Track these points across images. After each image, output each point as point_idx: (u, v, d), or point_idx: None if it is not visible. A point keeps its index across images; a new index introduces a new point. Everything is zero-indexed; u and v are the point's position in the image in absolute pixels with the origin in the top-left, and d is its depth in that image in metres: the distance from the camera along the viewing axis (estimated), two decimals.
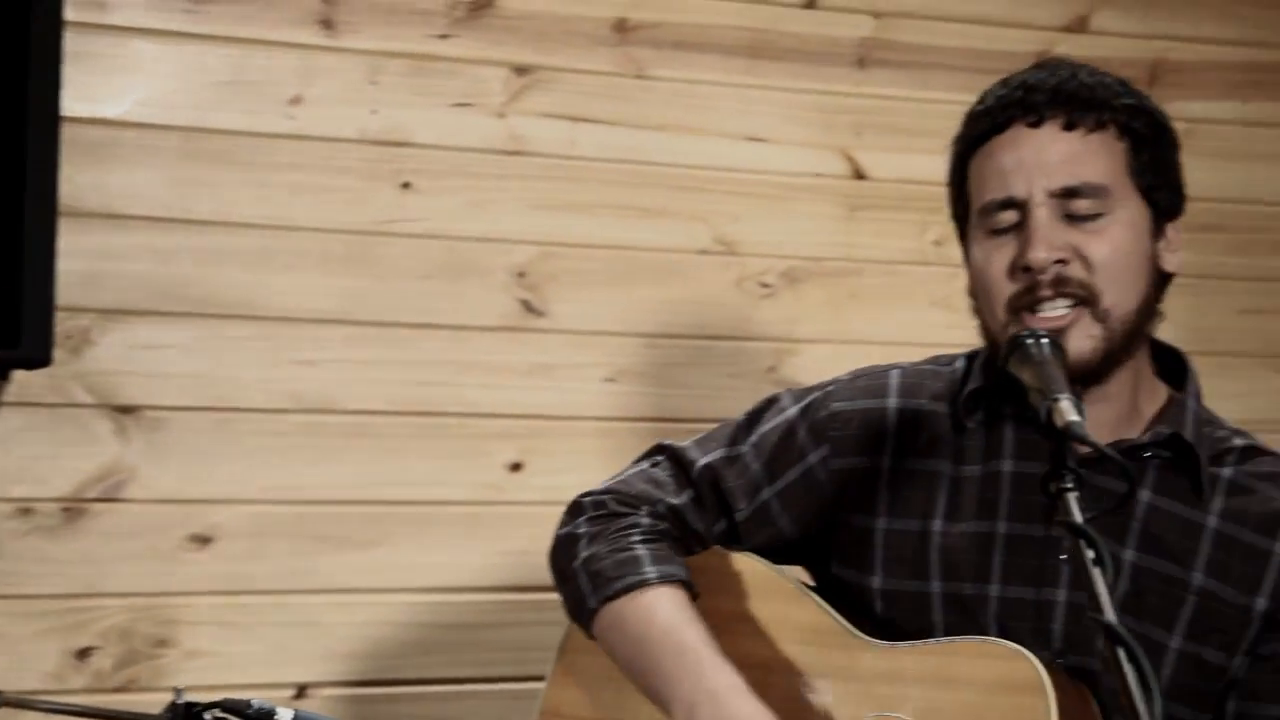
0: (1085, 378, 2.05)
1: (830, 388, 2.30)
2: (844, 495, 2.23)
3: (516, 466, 3.06)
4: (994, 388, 2.16)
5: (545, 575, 3.00)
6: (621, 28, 3.12)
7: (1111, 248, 2.05)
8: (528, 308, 3.06)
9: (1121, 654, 1.52)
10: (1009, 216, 2.08)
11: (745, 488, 2.25)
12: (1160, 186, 2.11)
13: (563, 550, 2.27)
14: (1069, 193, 2.06)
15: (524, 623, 3.05)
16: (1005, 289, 2.07)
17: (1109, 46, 3.40)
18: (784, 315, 3.21)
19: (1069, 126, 2.08)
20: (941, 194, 3.22)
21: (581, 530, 2.25)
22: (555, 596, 3.01)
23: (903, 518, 2.19)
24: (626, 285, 3.12)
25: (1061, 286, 2.04)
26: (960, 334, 3.24)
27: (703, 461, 2.27)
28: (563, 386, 3.09)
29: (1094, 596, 1.63)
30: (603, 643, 2.20)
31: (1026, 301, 2.05)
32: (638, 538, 2.21)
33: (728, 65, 3.18)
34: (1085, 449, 1.88)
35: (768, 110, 3.20)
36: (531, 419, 3.08)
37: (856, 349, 3.24)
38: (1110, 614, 1.59)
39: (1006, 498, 2.15)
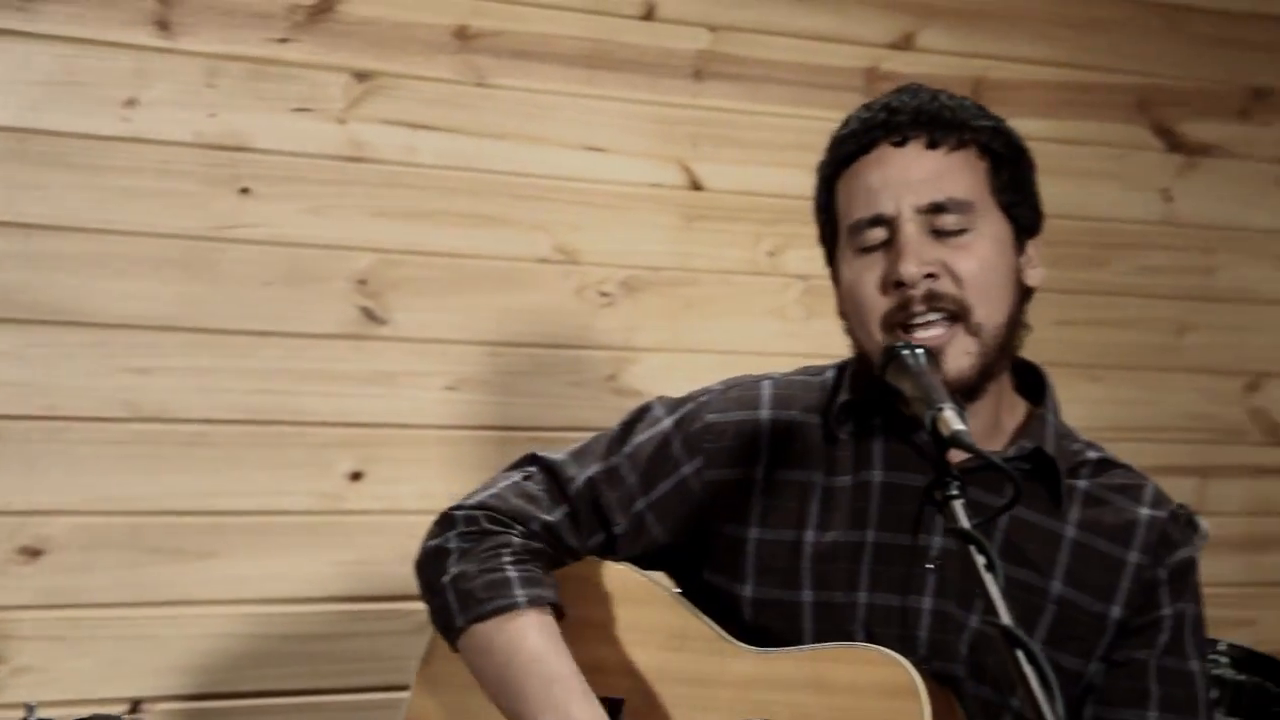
0: (960, 394, 2.08)
1: (703, 399, 2.32)
2: (717, 505, 2.25)
3: (356, 476, 3.03)
4: (865, 400, 2.21)
5: (385, 585, 3.01)
6: (462, 35, 3.12)
7: (979, 262, 2.11)
8: (368, 315, 3.04)
9: (1021, 655, 1.55)
10: (878, 234, 2.12)
11: (622, 501, 2.26)
12: (1020, 204, 2.18)
13: (431, 563, 2.25)
14: (935, 208, 2.11)
15: (364, 633, 3.03)
16: (879, 305, 2.11)
17: (933, 64, 3.49)
18: (623, 324, 3.23)
19: (932, 145, 2.13)
20: (776, 205, 3.31)
21: (452, 545, 2.23)
22: (395, 607, 3.03)
23: (775, 528, 2.22)
24: (467, 293, 3.11)
25: (933, 301, 2.08)
26: (794, 343, 3.33)
27: (582, 478, 2.28)
28: (404, 395, 3.07)
29: (987, 599, 1.66)
30: (468, 662, 2.20)
31: (901, 318, 2.09)
32: (508, 558, 2.20)
33: (567, 75, 3.20)
34: (963, 457, 1.94)
35: (607, 120, 3.23)
36: (372, 428, 3.05)
37: (693, 358, 3.28)
38: (1006, 617, 1.62)
39: (876, 507, 2.19)
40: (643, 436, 2.30)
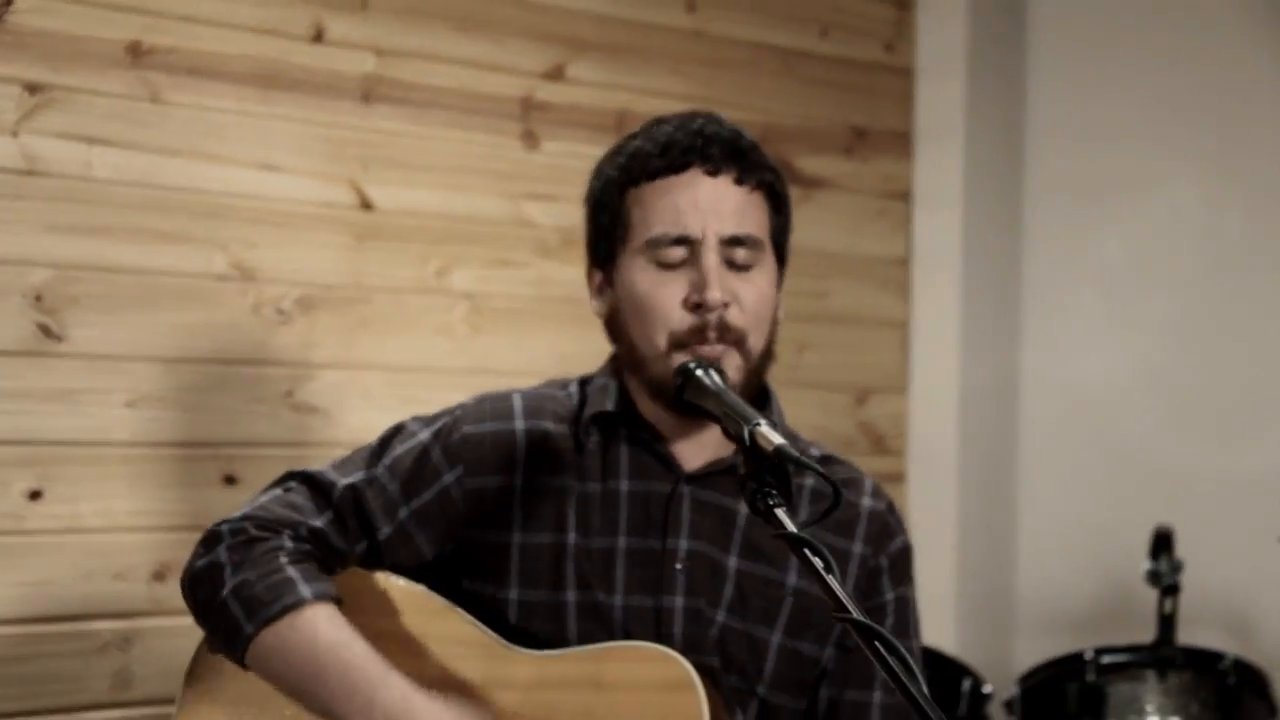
0: (683, 403, 2.23)
1: (457, 413, 2.40)
2: (479, 513, 2.34)
3: (35, 495, 2.97)
4: (611, 413, 2.35)
5: (66, 605, 2.97)
6: (136, 51, 3.09)
7: (758, 295, 2.29)
8: (46, 332, 2.98)
9: (878, 643, 1.67)
10: (678, 253, 2.27)
11: (385, 509, 2.32)
12: (784, 244, 2.38)
13: (205, 581, 2.25)
14: (735, 241, 2.28)
15: (44, 654, 2.97)
16: (674, 320, 2.26)
17: (582, 94, 3.66)
18: (299, 341, 3.26)
19: (739, 181, 2.30)
20: (442, 226, 3.42)
21: (224, 559, 2.25)
22: (76, 627, 2.98)
23: (537, 532, 2.33)
24: (146, 310, 3.09)
25: (723, 328, 2.25)
26: (460, 359, 3.45)
27: (344, 483, 2.33)
28: (84, 412, 3.02)
29: (833, 596, 1.80)
30: (262, 668, 2.22)
31: (694, 339, 2.24)
32: (285, 559, 2.24)
33: (240, 94, 3.21)
34: (700, 464, 2.23)
35: (280, 139, 3.26)
36: (51, 445, 2.99)
37: (368, 374, 3.35)
38: (856, 611, 1.74)
39: (625, 514, 2.33)
40: (401, 449, 2.36)
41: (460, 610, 2.31)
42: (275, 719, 2.25)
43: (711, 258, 2.25)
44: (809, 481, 2.40)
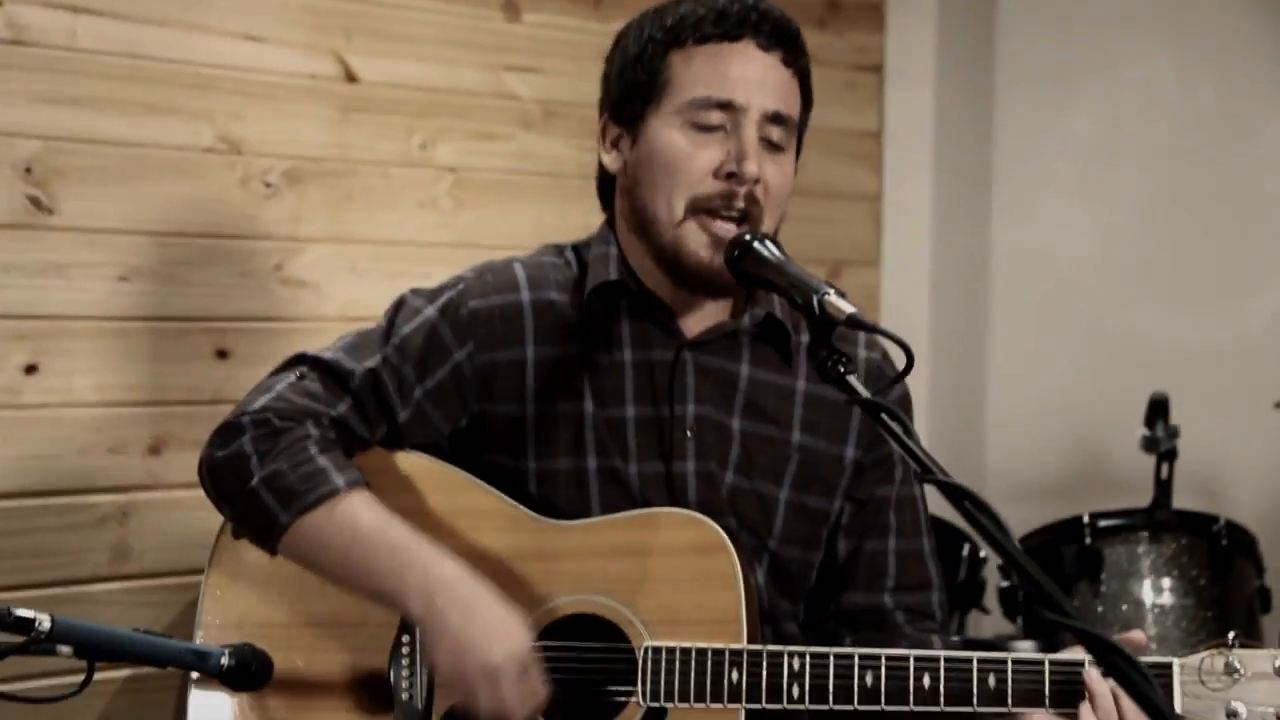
0: (722, 283, 2.28)
1: (460, 287, 2.39)
2: (493, 387, 2.34)
3: (31, 369, 2.93)
4: (617, 282, 2.34)
5: (63, 478, 2.96)
6: None
7: (783, 179, 2.30)
8: (36, 204, 2.93)
9: (969, 505, 1.68)
10: (718, 118, 2.26)
11: (401, 391, 2.32)
12: (803, 135, 2.38)
13: (231, 472, 2.25)
14: (776, 118, 2.27)
15: (42, 528, 2.95)
16: (702, 185, 2.25)
17: None
18: (287, 214, 3.23)
19: (785, 63, 2.30)
20: (426, 98, 3.38)
21: (249, 449, 2.24)
22: (74, 500, 2.96)
23: (551, 402, 2.34)
24: (135, 182, 3.04)
25: (749, 202, 2.25)
26: (444, 233, 3.43)
27: (361, 370, 2.32)
28: (77, 286, 2.98)
29: (916, 460, 1.80)
30: (298, 554, 2.23)
31: (718, 205, 2.24)
32: (314, 448, 2.24)
33: None
34: (701, 329, 2.27)
35: (263, 10, 3.20)
36: (44, 319, 2.95)
37: (355, 248, 3.33)
38: (941, 474, 1.76)
39: (631, 384, 2.35)
40: (409, 328, 2.35)
41: (484, 484, 2.32)
42: (306, 596, 2.27)
43: (752, 131, 2.25)
44: (805, 338, 2.40)
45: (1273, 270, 3.89)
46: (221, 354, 3.15)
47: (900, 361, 1.97)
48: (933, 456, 1.77)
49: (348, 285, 3.31)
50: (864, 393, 1.89)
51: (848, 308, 1.95)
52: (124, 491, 3.03)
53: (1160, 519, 3.08)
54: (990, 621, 3.39)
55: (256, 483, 2.22)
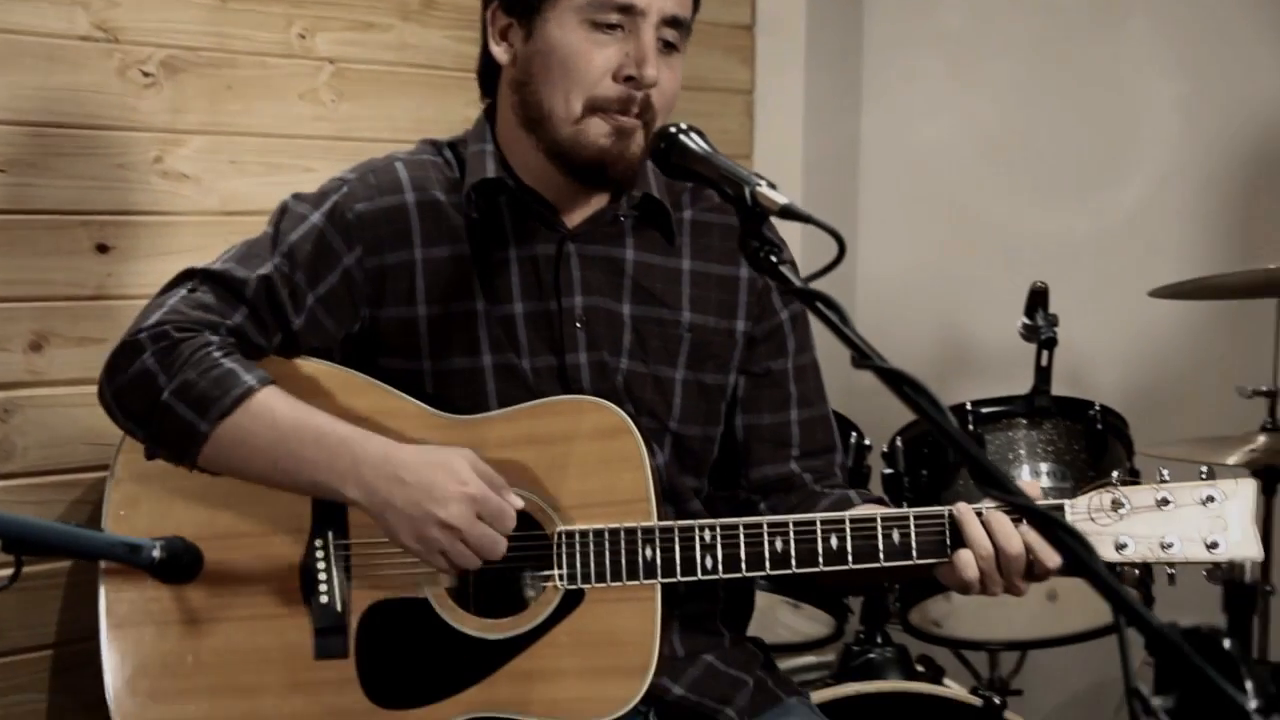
0: (624, 179, 2.30)
1: (344, 190, 2.37)
2: (383, 290, 2.34)
3: None
4: (496, 179, 2.35)
5: None
6: None
7: (674, 81, 2.31)
8: None
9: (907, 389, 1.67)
10: (617, 18, 2.25)
11: (294, 297, 2.31)
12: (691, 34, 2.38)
13: (138, 389, 2.23)
14: (674, 21, 2.28)
15: None
16: (600, 87, 2.26)
17: None
18: (166, 105, 3.17)
19: None
20: None
21: (152, 365, 2.22)
22: None
23: (444, 302, 2.34)
24: (10, 71, 2.95)
25: (645, 108, 2.26)
26: (324, 126, 3.39)
27: (254, 278, 2.30)
28: None
29: (854, 347, 1.79)
30: (221, 461, 2.21)
31: (616, 107, 2.25)
32: (219, 353, 2.22)
33: None
34: (581, 219, 2.31)
35: None
36: None
37: (236, 140, 3.27)
38: (880, 360, 1.75)
39: (517, 280, 2.36)
40: (296, 235, 2.33)
41: (385, 385, 2.32)
42: (216, 502, 2.27)
43: (651, 34, 2.26)
44: (686, 215, 2.44)
45: (1137, 162, 3.99)
46: (102, 248, 3.09)
47: None
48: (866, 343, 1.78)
49: (228, 178, 3.26)
50: (797, 281, 1.91)
51: (780, 199, 1.97)
52: (4, 389, 2.97)
53: (1040, 405, 3.16)
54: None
55: (167, 396, 2.19)
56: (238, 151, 3.29)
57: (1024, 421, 3.17)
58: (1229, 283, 3.29)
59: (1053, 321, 3.14)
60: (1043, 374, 3.15)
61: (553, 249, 2.37)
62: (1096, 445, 3.15)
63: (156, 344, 2.23)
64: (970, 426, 3.12)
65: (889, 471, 3.27)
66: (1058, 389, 3.21)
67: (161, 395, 2.19)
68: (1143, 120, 3.97)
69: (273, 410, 2.19)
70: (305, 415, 2.19)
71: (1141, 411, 3.45)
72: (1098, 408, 3.17)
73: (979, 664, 3.66)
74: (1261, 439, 3.35)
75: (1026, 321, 3.17)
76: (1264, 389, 3.38)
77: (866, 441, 3.24)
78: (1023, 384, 3.24)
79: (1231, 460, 3.29)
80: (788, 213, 1.95)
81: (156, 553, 2.02)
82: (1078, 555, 1.47)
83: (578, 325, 2.36)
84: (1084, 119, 4.03)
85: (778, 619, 3.29)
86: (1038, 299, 3.15)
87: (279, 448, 2.18)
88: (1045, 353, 3.14)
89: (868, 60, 4.29)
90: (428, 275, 2.34)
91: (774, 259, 1.94)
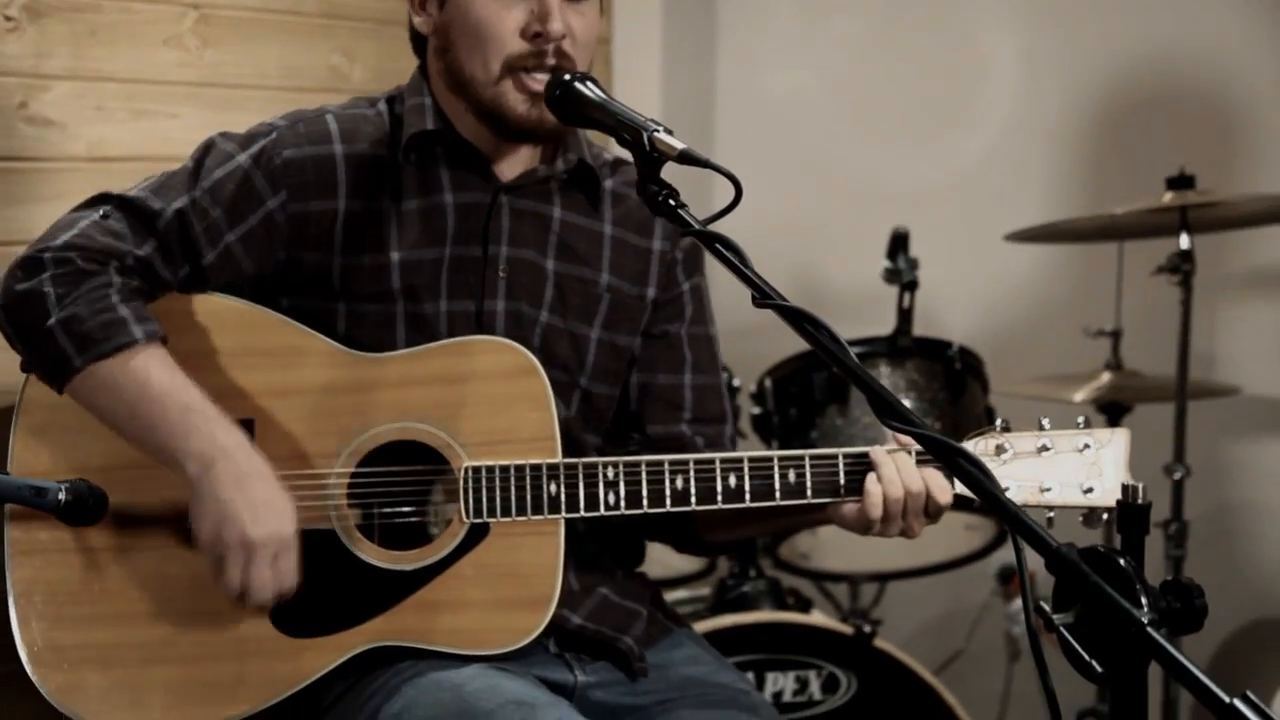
0: (550, 138, 2.35)
1: (273, 135, 2.38)
2: (303, 236, 2.36)
3: None
4: (435, 131, 2.38)
5: None
6: None
7: (588, 25, 2.34)
8: None
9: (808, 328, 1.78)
10: None
11: (209, 234, 2.31)
12: None
13: (28, 307, 2.22)
14: None
15: None
16: (511, 46, 2.29)
17: None
18: (30, 50, 3.12)
19: None
20: None
21: (48, 289, 2.22)
22: None
23: (359, 253, 2.37)
24: None
25: (560, 59, 2.29)
26: (189, 72, 3.37)
27: (169, 210, 2.31)
28: None
29: (753, 285, 1.88)
30: (85, 400, 2.23)
31: (530, 64, 2.28)
32: (116, 297, 2.23)
33: None
34: (515, 174, 2.34)
35: None
36: None
37: (100, 86, 3.24)
38: (779, 298, 1.84)
39: (450, 225, 2.39)
40: (220, 172, 2.35)
41: (296, 323, 2.34)
42: (113, 446, 2.27)
43: None
44: (609, 184, 2.50)
45: (984, 111, 4.12)
46: None
47: None
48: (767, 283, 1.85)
49: (94, 124, 3.22)
50: (696, 224, 1.96)
51: (678, 144, 2.00)
52: None
53: (902, 345, 3.26)
54: (745, 445, 3.55)
55: (53, 323, 2.20)
56: (103, 97, 3.26)
57: (886, 361, 3.28)
58: (1076, 227, 3.43)
59: (914, 264, 3.25)
60: (904, 316, 3.25)
61: (487, 199, 2.40)
62: (955, 384, 3.27)
63: (59, 268, 2.23)
64: (835, 367, 3.21)
65: (757, 411, 3.36)
66: (917, 330, 3.32)
67: (48, 320, 2.20)
68: (990, 71, 4.11)
69: (149, 370, 2.20)
70: (179, 385, 2.21)
71: (997, 351, 3.59)
72: (956, 348, 3.29)
73: (841, 596, 3.79)
74: (1106, 376, 3.51)
75: (888, 265, 3.27)
76: (1107, 329, 3.54)
77: (735, 382, 3.33)
78: (883, 326, 3.35)
79: (1078, 397, 3.45)
80: (686, 158, 1.98)
81: (62, 495, 2.02)
82: (979, 482, 1.56)
83: (500, 274, 2.40)
84: (932, 69, 4.15)
85: (652, 556, 3.37)
86: (899, 243, 3.26)
87: (142, 404, 2.19)
88: (907, 295, 3.25)
89: (722, 10, 4.35)
90: (347, 225, 2.37)
91: (672, 202, 1.99)
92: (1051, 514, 2.30)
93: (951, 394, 3.26)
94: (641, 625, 2.45)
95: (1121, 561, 1.46)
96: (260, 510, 2.16)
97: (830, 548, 3.41)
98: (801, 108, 4.30)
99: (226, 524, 2.15)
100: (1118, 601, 1.44)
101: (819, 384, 3.24)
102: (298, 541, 2.20)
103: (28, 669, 2.25)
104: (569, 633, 2.38)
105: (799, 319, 1.78)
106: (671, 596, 3.47)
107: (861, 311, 3.73)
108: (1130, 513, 1.48)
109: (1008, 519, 1.53)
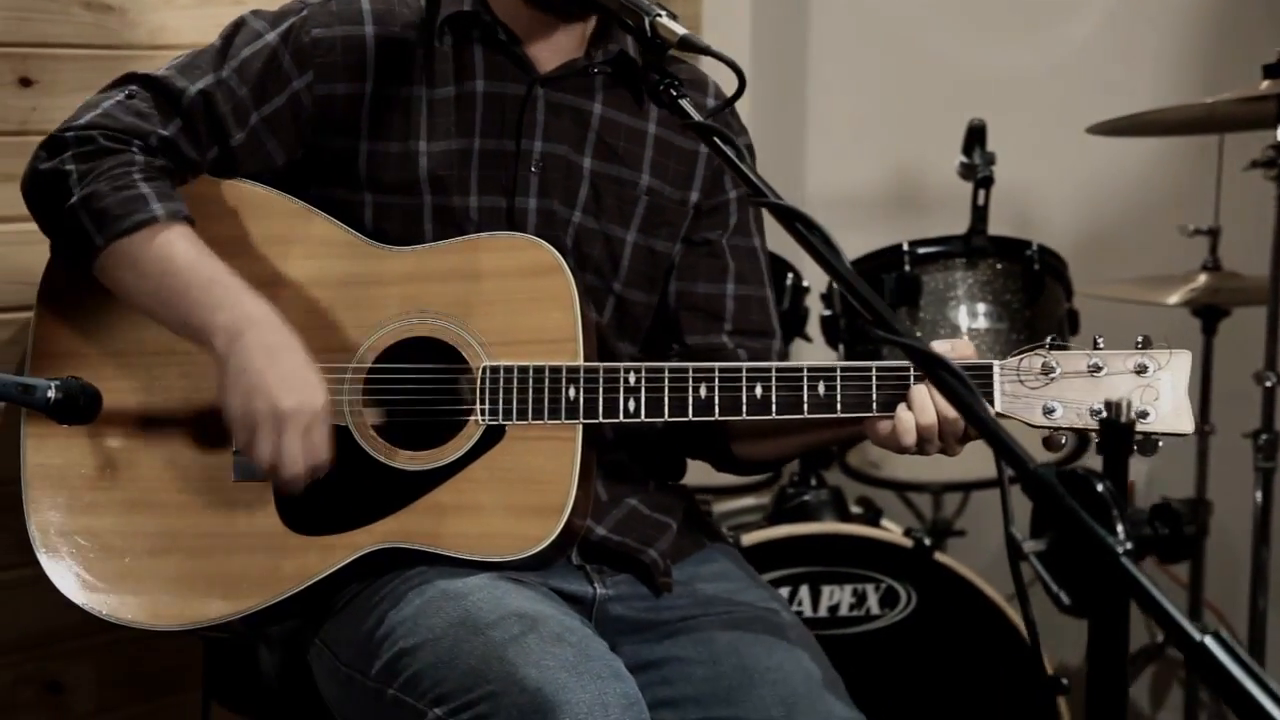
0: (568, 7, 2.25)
1: (305, 13, 2.32)
2: (329, 119, 2.30)
3: None
4: (467, 13, 2.30)
5: None
6: None
7: None
8: None
9: (800, 227, 1.68)
10: None
11: (236, 113, 2.26)
12: None
13: (49, 187, 2.19)
14: None
15: None
16: None
17: None
18: None
19: None
20: None
21: (70, 167, 2.18)
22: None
23: (386, 140, 2.30)
24: None
25: None
26: None
27: (194, 89, 2.26)
28: None
29: (747, 181, 1.80)
30: (111, 279, 2.19)
31: None
32: (138, 175, 2.18)
33: None
34: (553, 66, 2.23)
35: None
36: None
37: None
38: (772, 196, 1.75)
39: (480, 116, 2.31)
40: (248, 51, 2.29)
41: (321, 212, 2.29)
42: (141, 326, 2.24)
43: None
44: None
45: None
46: (25, 81, 3.01)
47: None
48: (761, 182, 1.77)
49: (157, 9, 3.16)
50: (696, 116, 1.88)
51: (679, 29, 1.92)
52: None
53: (977, 245, 3.11)
54: (811, 350, 3.45)
55: (75, 202, 2.16)
56: None
57: (961, 262, 3.14)
58: (1166, 118, 3.25)
59: (990, 159, 3.10)
60: (979, 213, 3.11)
61: (522, 90, 2.32)
62: (1034, 286, 3.12)
63: (80, 146, 2.20)
64: (907, 267, 3.09)
65: (827, 313, 3.25)
66: (999, 229, 3.18)
67: (70, 199, 2.16)
68: None
69: (172, 245, 2.15)
70: (202, 259, 2.16)
71: (1082, 251, 3.44)
72: (1035, 248, 3.14)
73: (924, 506, 3.68)
74: (1202, 278, 3.35)
75: (964, 160, 3.13)
76: (1205, 228, 3.36)
77: (805, 283, 3.22)
78: (965, 224, 3.22)
79: (1172, 300, 3.29)
80: (686, 44, 1.91)
81: (51, 393, 1.98)
82: (959, 395, 1.45)
83: (533, 170, 2.32)
84: None
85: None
86: (975, 136, 3.11)
87: (167, 280, 2.15)
88: (982, 191, 3.10)
89: None
90: (374, 110, 2.30)
91: (674, 92, 1.90)
92: (1099, 438, 2.16)
93: (1029, 296, 3.11)
94: (670, 538, 2.37)
95: (1100, 486, 1.35)
96: (291, 381, 2.11)
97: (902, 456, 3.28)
98: None
99: (256, 395, 2.10)
100: (1092, 529, 1.33)
101: (889, 285, 3.11)
102: (329, 414, 2.15)
103: (37, 555, 2.24)
104: (592, 544, 2.30)
105: (790, 217, 1.68)
106: (730, 506, 3.39)
107: (955, 207, 3.59)
108: (1114, 431, 1.37)
109: (985, 434, 1.43)
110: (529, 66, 2.33)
